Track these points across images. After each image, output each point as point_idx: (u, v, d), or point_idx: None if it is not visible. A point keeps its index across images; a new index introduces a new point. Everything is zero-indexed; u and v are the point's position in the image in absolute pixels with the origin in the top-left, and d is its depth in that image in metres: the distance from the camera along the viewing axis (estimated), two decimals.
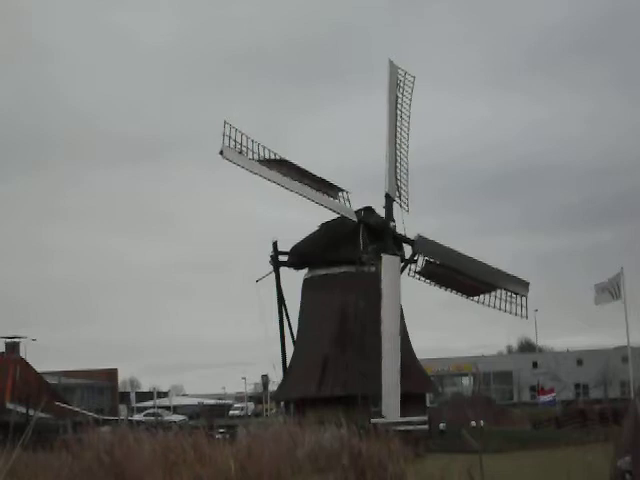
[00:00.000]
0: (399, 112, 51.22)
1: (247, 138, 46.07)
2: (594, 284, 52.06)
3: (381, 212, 49.53)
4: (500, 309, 50.10)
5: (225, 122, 45.11)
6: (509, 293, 50.32)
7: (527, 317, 51.17)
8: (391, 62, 52.11)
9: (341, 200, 49.64)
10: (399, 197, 49.88)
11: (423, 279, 49.85)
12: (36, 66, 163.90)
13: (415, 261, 49.34)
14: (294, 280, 51.84)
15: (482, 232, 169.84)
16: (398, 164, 50.31)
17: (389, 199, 49.24)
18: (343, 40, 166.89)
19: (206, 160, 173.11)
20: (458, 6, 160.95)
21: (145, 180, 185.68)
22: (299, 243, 51.26)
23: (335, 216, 49.46)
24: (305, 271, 51.47)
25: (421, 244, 49.32)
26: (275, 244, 50.95)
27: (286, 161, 47.54)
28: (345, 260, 48.32)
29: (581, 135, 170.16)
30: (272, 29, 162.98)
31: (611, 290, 49.79)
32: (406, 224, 49.56)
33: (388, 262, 46.96)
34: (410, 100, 51.71)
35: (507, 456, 31.14)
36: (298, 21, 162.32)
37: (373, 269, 47.38)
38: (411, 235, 49.48)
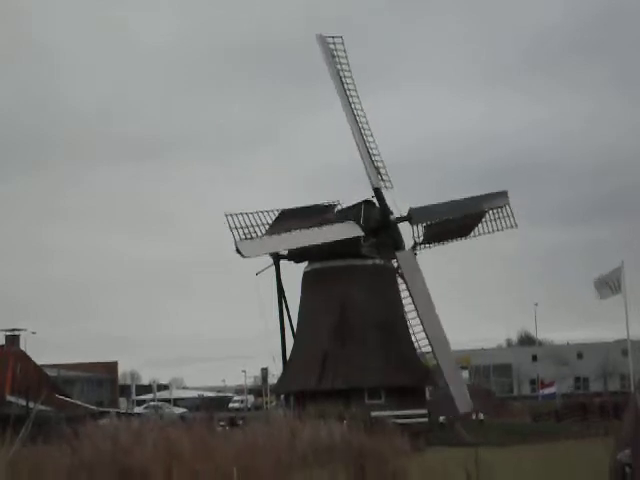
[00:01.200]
0: (346, 87, 50.42)
1: (248, 215, 46.02)
2: (593, 278, 52.02)
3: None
4: (492, 231, 51.29)
5: (225, 215, 44.77)
6: (494, 210, 51.16)
7: (517, 226, 51.90)
8: (319, 36, 51.05)
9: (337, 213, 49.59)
10: (382, 180, 49.92)
11: (426, 245, 50.27)
12: (36, 66, 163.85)
13: (420, 244, 49.80)
14: (294, 273, 51.90)
15: None
16: (369, 148, 50.14)
17: (377, 191, 49.28)
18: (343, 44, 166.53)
19: (206, 159, 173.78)
20: (458, 6, 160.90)
21: (145, 180, 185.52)
22: None
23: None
24: (305, 264, 51.48)
25: (416, 215, 49.59)
26: None
27: (284, 213, 47.65)
28: (345, 253, 48.32)
29: (580, 133, 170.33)
30: (272, 29, 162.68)
31: (611, 284, 49.79)
32: (399, 205, 50.09)
33: (403, 258, 47.41)
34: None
35: (508, 449, 31.20)
36: (298, 21, 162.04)
37: (373, 262, 47.42)
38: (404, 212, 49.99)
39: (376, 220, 48.82)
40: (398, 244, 49.56)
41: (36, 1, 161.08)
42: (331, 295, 48.84)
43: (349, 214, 48.67)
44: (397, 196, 50.04)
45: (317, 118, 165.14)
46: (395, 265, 49.97)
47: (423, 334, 47.53)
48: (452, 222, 50.44)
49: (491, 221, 51.21)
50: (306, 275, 51.11)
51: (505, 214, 51.27)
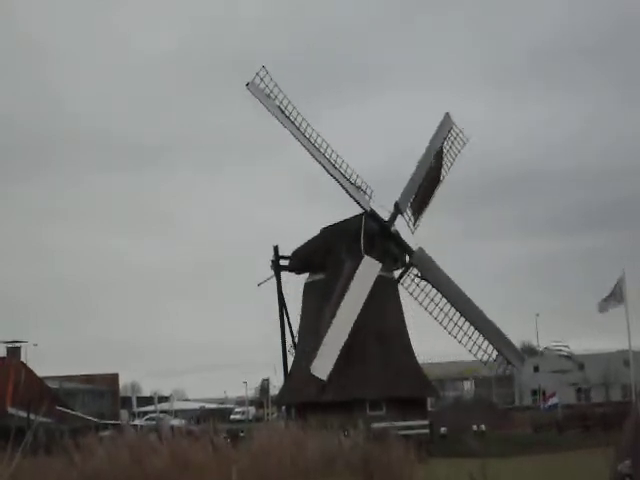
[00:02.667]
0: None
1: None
2: (599, 300, 51.66)
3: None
4: (453, 160, 52.11)
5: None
6: (447, 141, 51.95)
7: (468, 139, 52.95)
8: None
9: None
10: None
11: (418, 221, 50.77)
12: (36, 68, 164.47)
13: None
14: (295, 284, 51.90)
15: (478, 235, 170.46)
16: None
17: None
18: (342, 44, 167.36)
19: (206, 160, 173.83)
20: (459, 10, 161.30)
21: (146, 182, 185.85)
22: (300, 247, 51.31)
23: (339, 216, 49.79)
24: (306, 275, 51.48)
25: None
26: (276, 248, 51.01)
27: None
28: (346, 265, 48.25)
29: (578, 140, 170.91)
30: (272, 34, 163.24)
31: (614, 296, 49.70)
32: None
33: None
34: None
35: (509, 460, 31.16)
36: (298, 26, 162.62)
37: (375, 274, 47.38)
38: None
39: (376, 232, 48.81)
40: (400, 254, 49.55)
41: (36, 3, 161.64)
42: (332, 307, 48.80)
43: (350, 227, 48.64)
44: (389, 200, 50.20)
45: (316, 124, 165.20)
46: (396, 276, 50.01)
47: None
48: (426, 179, 50.59)
49: (449, 152, 52.17)
50: (307, 286, 51.10)
51: (455, 135, 52.54)
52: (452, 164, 52.44)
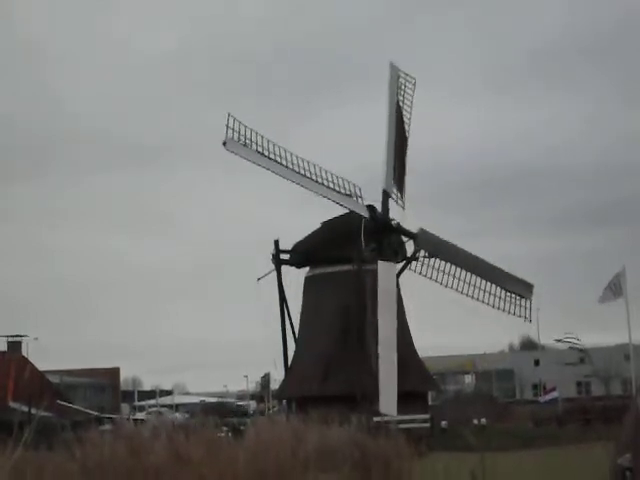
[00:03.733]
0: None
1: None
2: (602, 288, 51.71)
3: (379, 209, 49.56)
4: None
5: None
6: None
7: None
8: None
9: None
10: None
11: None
12: (36, 68, 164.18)
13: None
14: (296, 278, 51.89)
15: (479, 235, 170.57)
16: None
17: (386, 195, 49.10)
18: (343, 46, 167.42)
19: (206, 160, 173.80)
20: (459, 11, 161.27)
21: (147, 182, 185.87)
22: (300, 241, 51.31)
23: (338, 212, 49.64)
24: (307, 269, 51.50)
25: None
26: (277, 242, 50.99)
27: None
28: (347, 258, 48.30)
29: (579, 140, 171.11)
30: (273, 35, 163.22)
31: (612, 288, 49.75)
32: (404, 223, 49.64)
33: (384, 269, 46.55)
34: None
35: (509, 454, 31.19)
36: (298, 26, 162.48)
37: (375, 267, 47.38)
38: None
39: (378, 225, 48.74)
40: (399, 251, 49.48)
41: (36, 3, 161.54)
42: (333, 301, 48.87)
43: (350, 220, 48.62)
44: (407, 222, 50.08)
45: (316, 123, 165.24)
46: (397, 270, 49.95)
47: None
48: (397, 143, 49.88)
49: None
50: (308, 280, 51.13)
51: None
52: (411, 111, 51.44)
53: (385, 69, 52.02)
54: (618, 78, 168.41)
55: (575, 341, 62.85)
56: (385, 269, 46.53)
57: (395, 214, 49.60)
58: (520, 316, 49.76)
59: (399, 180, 50.16)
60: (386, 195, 49.01)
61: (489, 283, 48.98)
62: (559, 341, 65.69)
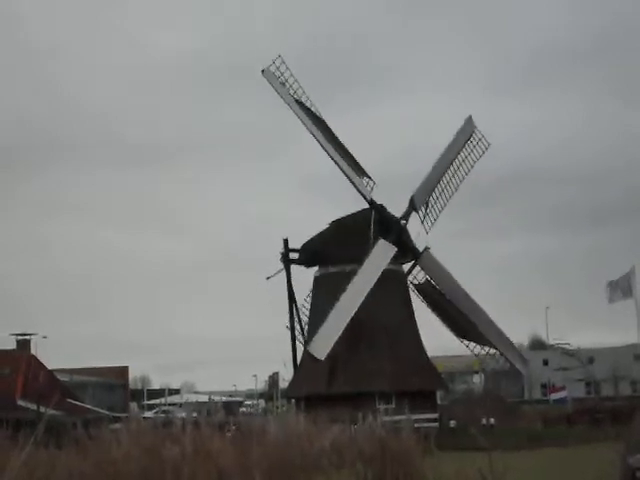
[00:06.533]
0: (457, 163, 51.38)
1: (293, 78, 47.64)
2: (607, 281, 51.79)
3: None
4: (474, 161, 51.45)
5: (279, 55, 47.30)
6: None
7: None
8: (470, 118, 52.53)
9: (365, 182, 49.55)
10: (424, 213, 49.81)
11: (417, 294, 49.99)
12: (43, 69, 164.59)
13: (412, 268, 49.59)
14: (305, 277, 51.93)
15: (480, 235, 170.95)
16: (438, 192, 50.49)
17: (412, 204, 49.12)
18: (344, 47, 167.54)
19: (212, 158, 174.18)
20: (459, 10, 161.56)
21: (159, 181, 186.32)
22: (309, 241, 51.32)
23: (347, 210, 49.79)
24: (316, 268, 51.51)
25: (426, 258, 49.27)
26: (286, 241, 51.01)
27: (323, 121, 47.92)
28: (355, 258, 48.29)
29: (577, 139, 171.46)
30: (287, 34, 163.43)
31: (623, 288, 49.69)
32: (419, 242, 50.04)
33: (382, 248, 46.65)
34: (474, 162, 51.99)
35: (518, 454, 31.12)
36: (304, 30, 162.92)
37: (384, 266, 47.36)
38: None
39: (385, 226, 48.76)
40: (408, 248, 49.52)
41: (49, 4, 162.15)
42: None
43: (359, 220, 48.63)
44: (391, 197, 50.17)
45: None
46: (405, 270, 50.02)
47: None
48: (455, 312, 49.70)
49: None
50: (317, 279, 51.14)
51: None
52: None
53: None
54: (617, 78, 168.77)
55: (566, 345, 63.23)
56: (382, 247, 46.54)
57: (413, 228, 50.12)
58: (484, 149, 51.72)
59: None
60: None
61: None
62: (552, 347, 66.33)
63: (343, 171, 47.42)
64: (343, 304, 43.59)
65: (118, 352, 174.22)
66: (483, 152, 52.00)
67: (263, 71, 46.87)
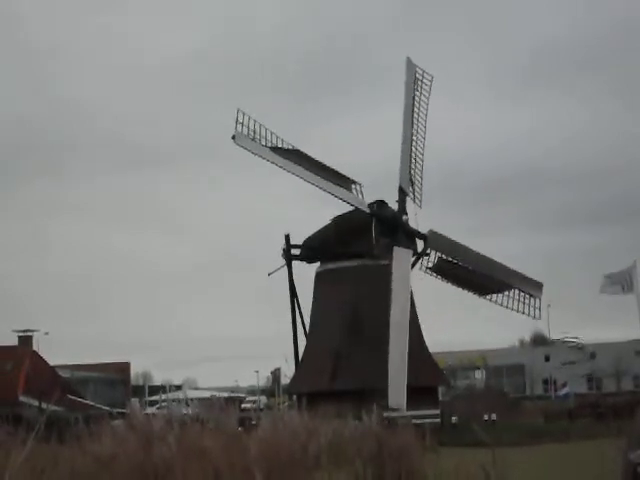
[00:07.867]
0: (416, 110, 50.93)
1: (260, 126, 46.28)
2: (605, 273, 51.72)
3: (394, 207, 49.51)
4: (512, 309, 50.10)
5: (238, 110, 45.49)
6: (521, 293, 50.16)
7: (540, 318, 51.67)
8: (409, 60, 51.83)
9: (354, 192, 49.71)
10: (412, 192, 49.76)
11: (434, 275, 49.78)
12: (43, 67, 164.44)
13: (427, 254, 49.23)
14: (306, 273, 51.92)
15: (481, 233, 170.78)
16: (413, 161, 50.12)
17: (402, 193, 49.11)
18: (346, 48, 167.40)
19: (212, 158, 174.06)
20: (459, 10, 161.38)
21: (162, 182, 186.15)
22: (311, 236, 51.34)
23: (347, 209, 49.57)
24: (317, 264, 51.51)
25: (433, 239, 49.15)
26: (287, 237, 50.98)
27: (299, 151, 47.57)
28: (357, 253, 48.37)
29: (578, 139, 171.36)
30: (288, 35, 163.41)
31: (622, 283, 49.55)
32: (418, 222, 49.64)
33: (400, 255, 46.81)
34: (428, 99, 51.45)
35: (520, 450, 31.12)
36: (305, 30, 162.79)
37: (385, 262, 47.36)
38: (423, 231, 49.43)
39: (387, 215, 48.71)
40: (411, 242, 49.47)
41: (50, 4, 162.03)
42: (343, 296, 48.86)
43: (361, 216, 48.61)
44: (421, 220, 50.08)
45: (329, 124, 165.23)
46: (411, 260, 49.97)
47: None
48: (471, 272, 49.78)
49: (514, 299, 50.19)
50: (318, 275, 51.16)
51: (531, 303, 50.39)
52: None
53: (399, 66, 52.00)
54: (618, 79, 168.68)
55: (576, 340, 63.40)
56: (400, 255, 46.63)
57: (411, 213, 49.80)
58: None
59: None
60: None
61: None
62: (558, 341, 66.46)
63: (336, 196, 47.54)
64: (394, 336, 44.00)
65: (119, 351, 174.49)
66: (430, 85, 51.42)
67: (234, 137, 45.33)
